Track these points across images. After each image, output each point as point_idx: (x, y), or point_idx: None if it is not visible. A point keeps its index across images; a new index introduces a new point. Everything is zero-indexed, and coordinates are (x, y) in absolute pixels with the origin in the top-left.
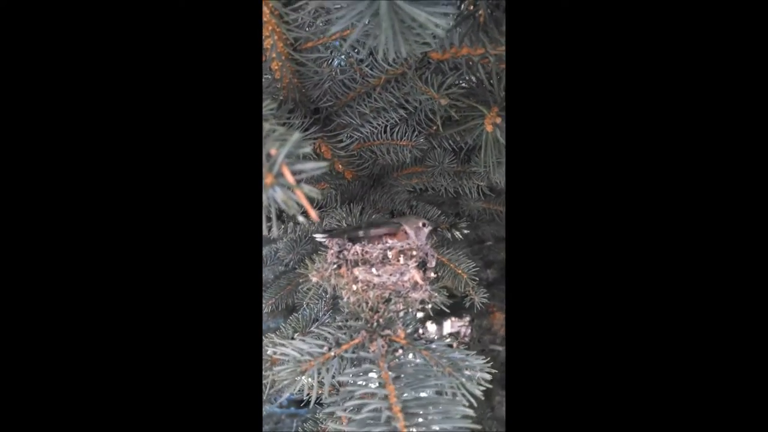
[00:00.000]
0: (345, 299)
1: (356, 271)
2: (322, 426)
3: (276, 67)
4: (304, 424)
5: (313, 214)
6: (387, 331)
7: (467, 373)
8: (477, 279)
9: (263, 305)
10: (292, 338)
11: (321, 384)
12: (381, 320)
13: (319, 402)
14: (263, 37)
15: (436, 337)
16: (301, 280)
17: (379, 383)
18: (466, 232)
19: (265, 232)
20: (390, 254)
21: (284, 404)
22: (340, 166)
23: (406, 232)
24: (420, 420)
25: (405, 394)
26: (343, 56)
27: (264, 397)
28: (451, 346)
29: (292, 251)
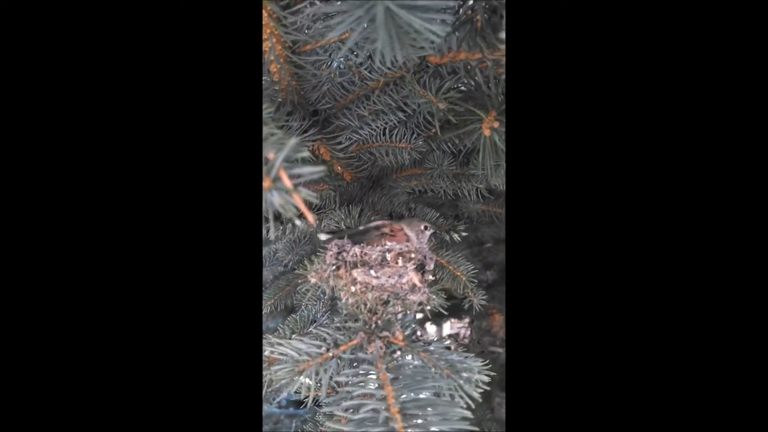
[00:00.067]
0: (343, 301)
1: (355, 273)
2: (322, 428)
3: (274, 70)
4: (305, 425)
5: (310, 217)
6: (385, 333)
7: (465, 375)
8: (476, 281)
9: (262, 306)
10: (291, 338)
11: (319, 385)
12: (379, 322)
13: (317, 403)
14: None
15: (435, 339)
16: (299, 282)
17: (378, 384)
18: (464, 234)
19: (263, 233)
20: (388, 256)
21: (283, 404)
22: (339, 167)
23: (407, 235)
24: (418, 421)
25: (403, 396)
26: (341, 59)
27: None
28: (449, 348)
29: (291, 252)
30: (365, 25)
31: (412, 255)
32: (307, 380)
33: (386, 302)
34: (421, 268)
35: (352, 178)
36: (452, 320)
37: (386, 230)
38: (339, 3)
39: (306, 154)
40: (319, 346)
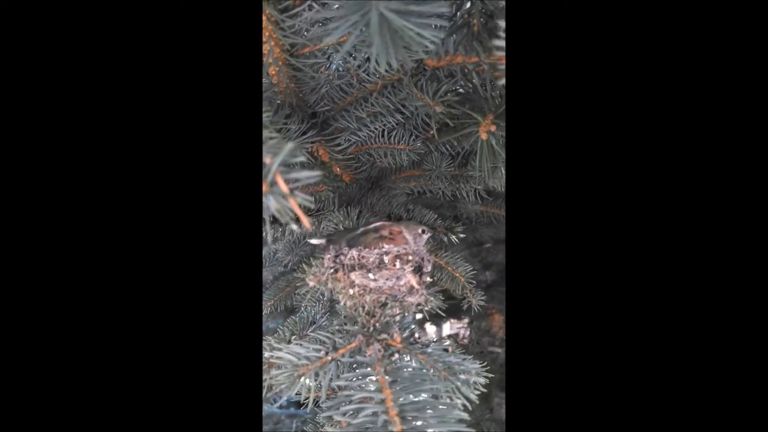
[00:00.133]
0: (342, 303)
1: (353, 276)
2: (322, 430)
3: (273, 72)
4: (305, 426)
5: (306, 222)
6: (383, 335)
7: (462, 377)
8: (474, 282)
9: (263, 306)
10: (289, 342)
11: (318, 387)
12: (377, 324)
13: (317, 404)
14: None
15: (435, 339)
16: (298, 284)
17: (376, 387)
18: (462, 236)
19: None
20: (386, 259)
21: (284, 405)
22: (338, 169)
23: (404, 237)
24: (416, 423)
25: (401, 398)
26: (340, 61)
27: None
28: (446, 350)
29: (291, 252)
30: (362, 29)
31: (410, 257)
32: (308, 381)
33: (384, 305)
34: (418, 270)
35: (351, 180)
36: (452, 320)
37: (385, 233)
38: (336, 7)
39: (303, 158)
40: (318, 350)
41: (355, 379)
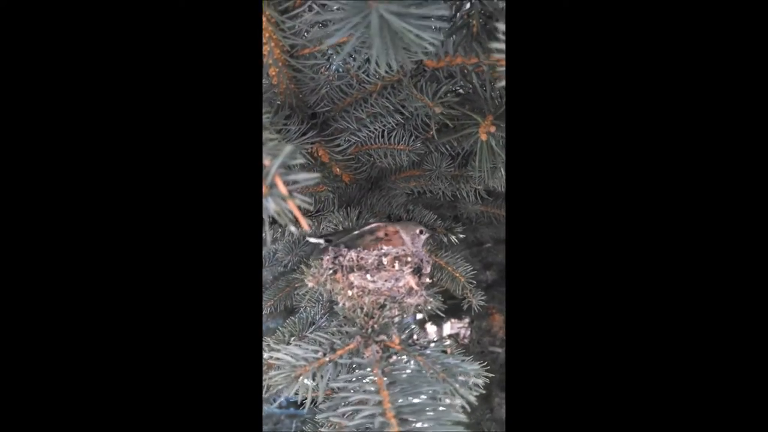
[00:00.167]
0: (340, 304)
1: (351, 277)
2: (321, 429)
3: (273, 73)
4: (304, 426)
5: (304, 224)
6: (382, 337)
7: (461, 378)
8: (474, 282)
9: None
10: (288, 342)
11: (316, 388)
12: (376, 326)
13: (316, 405)
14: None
15: (435, 339)
16: (297, 285)
17: (374, 389)
18: (462, 236)
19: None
20: (385, 260)
21: (283, 405)
22: (338, 169)
23: (401, 238)
24: (414, 426)
25: (399, 400)
26: (340, 62)
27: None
28: (445, 351)
29: (291, 252)
30: (362, 31)
31: (409, 259)
32: (307, 381)
33: (383, 306)
34: (417, 272)
35: (350, 180)
36: (452, 320)
37: (381, 234)
38: (336, 8)
39: (302, 160)
40: (316, 351)
41: (353, 380)
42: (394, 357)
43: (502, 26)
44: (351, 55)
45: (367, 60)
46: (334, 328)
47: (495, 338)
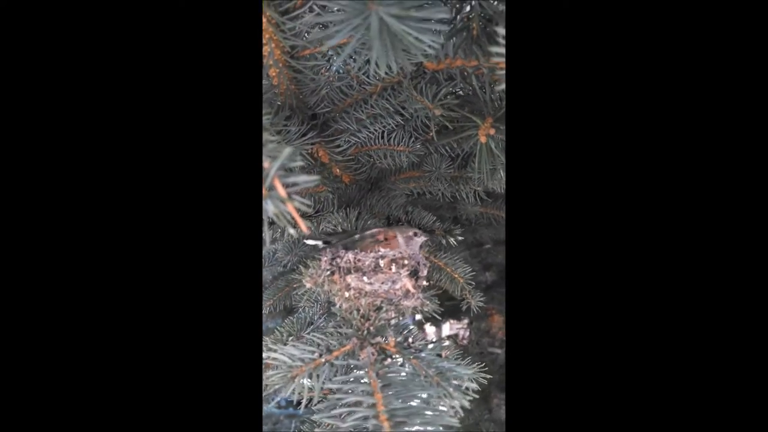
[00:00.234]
0: (337, 306)
1: (349, 279)
2: (317, 429)
3: (273, 74)
4: (303, 426)
5: (303, 226)
6: (377, 339)
7: (455, 382)
8: (473, 283)
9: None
10: (285, 343)
11: (312, 388)
12: (372, 328)
13: (311, 405)
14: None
15: (433, 340)
16: (296, 285)
17: (367, 391)
18: (460, 238)
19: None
20: (382, 263)
21: (282, 405)
22: (338, 170)
23: (398, 241)
24: (406, 429)
25: (393, 403)
26: (340, 63)
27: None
28: (440, 355)
29: (290, 252)
30: (362, 33)
31: (405, 261)
32: (304, 381)
33: (379, 308)
34: (414, 274)
35: (350, 181)
36: (451, 321)
37: (380, 237)
38: (336, 10)
39: (301, 162)
40: (312, 352)
41: (348, 381)
42: (389, 359)
43: (502, 30)
44: (351, 57)
45: (367, 61)
46: (331, 329)
47: (494, 339)
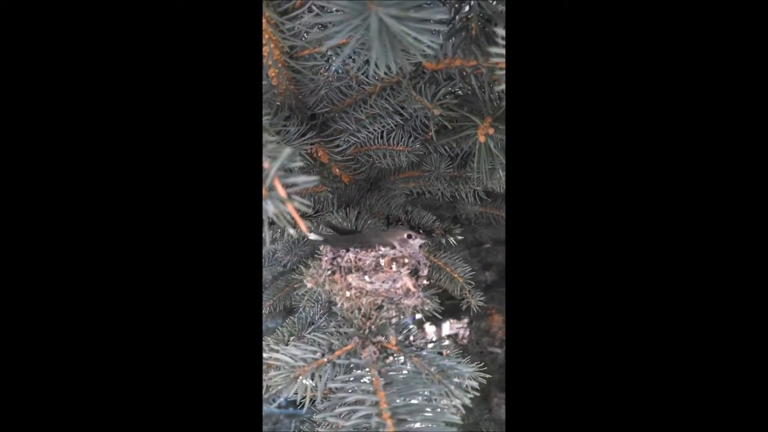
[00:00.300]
0: (339, 305)
1: (350, 278)
2: (318, 430)
3: (273, 74)
4: (303, 426)
5: (303, 226)
6: (379, 338)
7: (456, 380)
8: (473, 283)
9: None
10: (287, 343)
11: (315, 388)
12: (373, 327)
13: (314, 404)
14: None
15: (434, 339)
16: (296, 285)
17: (370, 389)
18: (460, 238)
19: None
20: (383, 262)
21: (282, 404)
22: (338, 170)
23: (390, 243)
24: (410, 426)
25: (395, 401)
26: (339, 63)
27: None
28: (441, 353)
29: (290, 252)
30: (362, 33)
31: (406, 260)
32: (306, 381)
33: (380, 307)
34: (414, 273)
35: (350, 181)
36: (451, 320)
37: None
38: (335, 11)
39: (301, 163)
40: (314, 351)
41: (350, 380)
42: (391, 358)
43: (501, 31)
44: (350, 57)
45: (367, 62)
46: (333, 329)
47: (494, 338)
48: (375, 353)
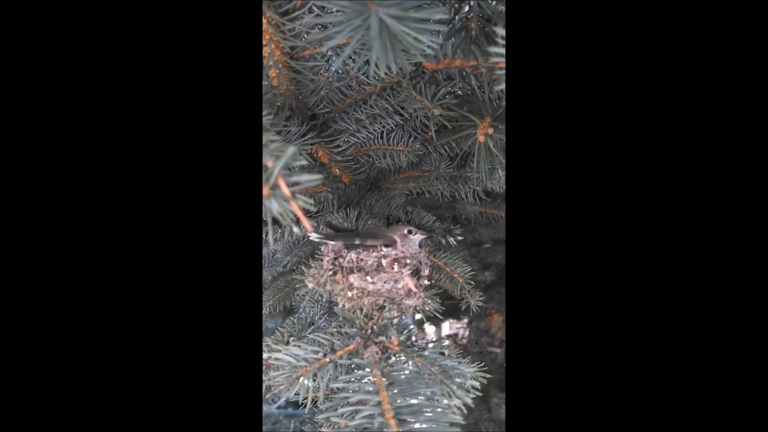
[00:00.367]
0: (340, 305)
1: (351, 278)
2: (320, 429)
3: (273, 75)
4: (303, 426)
5: (307, 224)
6: (381, 338)
7: (458, 380)
8: (473, 283)
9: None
10: (287, 343)
11: (317, 388)
12: (375, 327)
13: (316, 405)
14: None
15: (434, 339)
16: (297, 286)
17: (373, 389)
18: (460, 238)
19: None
20: (384, 262)
21: (282, 405)
22: (338, 170)
23: (393, 238)
24: (412, 427)
25: (398, 401)
26: (340, 64)
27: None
28: (442, 353)
29: (290, 253)
30: (362, 33)
31: (408, 261)
32: (307, 381)
33: (382, 307)
34: (416, 274)
35: (350, 181)
36: (451, 321)
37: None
38: (336, 11)
39: (304, 162)
40: (316, 352)
41: (352, 380)
42: (393, 358)
43: (501, 31)
44: (351, 57)
45: (367, 62)
46: (334, 329)
47: (493, 338)
48: (377, 353)
